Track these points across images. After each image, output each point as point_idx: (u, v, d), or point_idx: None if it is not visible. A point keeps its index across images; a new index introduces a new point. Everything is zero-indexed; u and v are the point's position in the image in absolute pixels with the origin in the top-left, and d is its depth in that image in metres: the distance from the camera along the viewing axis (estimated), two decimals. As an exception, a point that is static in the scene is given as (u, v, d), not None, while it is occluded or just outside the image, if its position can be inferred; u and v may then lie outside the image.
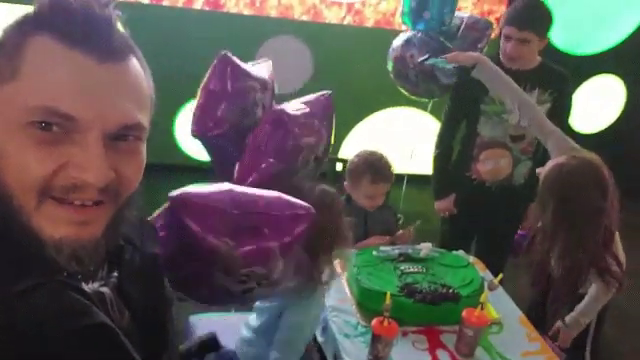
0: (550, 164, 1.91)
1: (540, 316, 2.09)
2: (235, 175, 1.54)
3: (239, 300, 1.37)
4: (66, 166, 0.63)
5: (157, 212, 1.20)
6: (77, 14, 0.63)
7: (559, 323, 2.06)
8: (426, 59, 2.47)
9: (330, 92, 1.70)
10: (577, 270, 1.89)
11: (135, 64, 0.69)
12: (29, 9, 0.66)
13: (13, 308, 0.61)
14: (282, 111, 1.57)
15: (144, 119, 0.68)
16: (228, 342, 1.89)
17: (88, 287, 0.71)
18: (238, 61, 1.56)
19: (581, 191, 1.82)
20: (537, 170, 1.96)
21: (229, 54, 1.56)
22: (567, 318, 2.05)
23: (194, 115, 1.54)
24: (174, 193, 1.19)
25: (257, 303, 1.78)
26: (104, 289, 0.73)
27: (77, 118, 0.62)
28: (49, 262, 0.65)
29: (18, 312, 0.61)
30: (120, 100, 0.65)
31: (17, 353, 0.60)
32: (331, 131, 1.69)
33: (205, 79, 1.56)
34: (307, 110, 1.58)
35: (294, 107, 1.61)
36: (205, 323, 2.07)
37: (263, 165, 1.52)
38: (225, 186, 1.27)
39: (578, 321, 2.04)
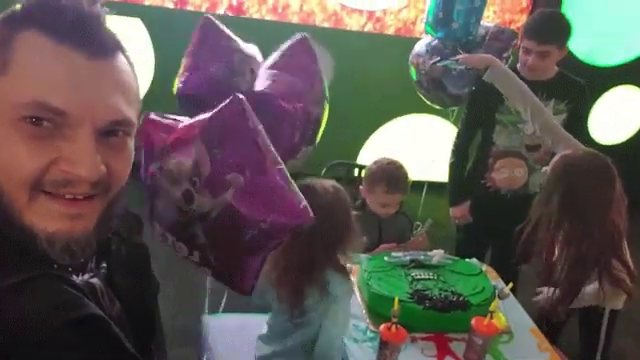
0: (557, 156, 1.94)
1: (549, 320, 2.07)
2: None
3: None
4: (57, 161, 0.63)
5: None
6: (66, 10, 0.64)
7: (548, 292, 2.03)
8: (438, 61, 2.50)
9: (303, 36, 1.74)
10: (582, 263, 1.88)
11: (123, 61, 0.70)
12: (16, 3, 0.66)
13: (4, 302, 0.62)
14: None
15: (133, 115, 0.70)
16: (243, 342, 1.92)
17: (78, 279, 0.71)
18: (220, 24, 1.67)
19: (588, 179, 1.84)
20: (543, 168, 1.97)
21: (211, 18, 1.66)
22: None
23: (181, 76, 1.60)
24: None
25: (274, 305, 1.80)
26: (94, 280, 0.74)
27: (68, 113, 0.62)
28: (40, 255, 0.65)
29: (9, 306, 0.62)
30: (110, 96, 0.66)
31: (9, 347, 0.60)
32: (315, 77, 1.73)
33: (190, 44, 1.66)
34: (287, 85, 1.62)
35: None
36: (218, 323, 2.10)
37: None
38: None
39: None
